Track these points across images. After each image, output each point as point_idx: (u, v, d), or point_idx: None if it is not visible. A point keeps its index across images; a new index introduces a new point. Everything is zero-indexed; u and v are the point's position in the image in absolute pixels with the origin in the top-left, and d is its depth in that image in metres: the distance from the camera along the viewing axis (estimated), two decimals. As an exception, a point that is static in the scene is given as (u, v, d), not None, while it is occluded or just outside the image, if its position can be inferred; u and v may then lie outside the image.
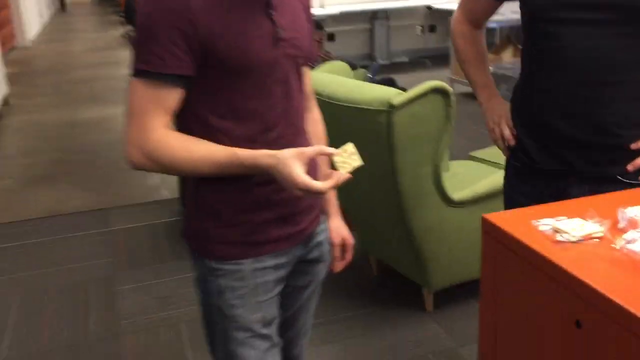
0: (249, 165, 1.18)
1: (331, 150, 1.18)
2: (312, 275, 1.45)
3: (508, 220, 0.97)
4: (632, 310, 0.77)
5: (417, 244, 2.40)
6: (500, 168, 2.91)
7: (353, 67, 5.12)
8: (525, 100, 1.57)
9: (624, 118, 1.40)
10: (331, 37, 7.62)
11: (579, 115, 1.43)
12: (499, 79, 5.66)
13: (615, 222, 0.99)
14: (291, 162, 1.14)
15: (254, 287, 1.29)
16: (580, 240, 0.95)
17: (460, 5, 1.73)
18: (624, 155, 1.40)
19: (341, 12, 7.28)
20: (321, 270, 1.47)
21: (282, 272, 1.33)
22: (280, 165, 1.15)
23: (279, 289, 1.34)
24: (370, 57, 7.84)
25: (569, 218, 0.96)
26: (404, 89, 4.10)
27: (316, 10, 7.26)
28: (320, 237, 1.43)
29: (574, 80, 1.41)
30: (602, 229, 0.98)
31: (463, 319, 2.51)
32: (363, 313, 2.60)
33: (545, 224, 0.98)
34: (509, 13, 5.50)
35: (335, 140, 2.55)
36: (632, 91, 1.39)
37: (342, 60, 3.85)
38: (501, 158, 3.16)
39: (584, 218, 0.99)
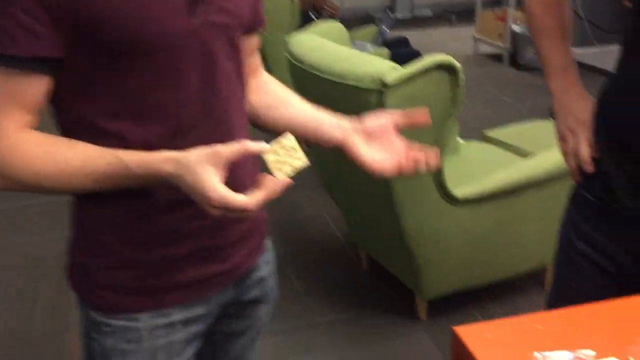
0: (141, 173, 0.82)
1: (259, 146, 0.81)
2: (250, 319, 1.09)
3: (491, 342, 0.57)
4: None
5: (410, 246, 2.03)
6: (520, 155, 2.51)
7: (370, 21, 4.67)
8: (618, 111, 1.04)
9: None
10: (350, -14, 7.06)
11: None
12: (528, 41, 5.15)
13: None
14: (200, 168, 0.78)
15: (153, 351, 0.94)
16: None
17: None
18: None
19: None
20: (263, 313, 1.11)
21: (197, 327, 0.98)
22: (185, 172, 0.79)
23: (192, 349, 1.00)
24: (391, 9, 7.28)
25: (599, 357, 0.54)
26: (417, 53, 3.67)
27: (334, -44, 6.69)
28: (263, 272, 1.07)
29: None
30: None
31: (460, 332, 2.17)
32: (347, 317, 2.27)
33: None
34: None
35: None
36: None
37: (337, 18, 3.42)
38: (521, 141, 2.78)
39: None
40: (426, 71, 1.76)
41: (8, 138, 0.81)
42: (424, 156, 1.00)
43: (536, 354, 0.52)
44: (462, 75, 1.81)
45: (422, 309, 2.22)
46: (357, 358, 2.09)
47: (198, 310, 0.97)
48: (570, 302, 1.14)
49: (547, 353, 0.53)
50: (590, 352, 0.53)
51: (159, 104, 0.86)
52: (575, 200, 1.15)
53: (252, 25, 0.99)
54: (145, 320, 0.93)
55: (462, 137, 3.11)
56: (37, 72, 0.80)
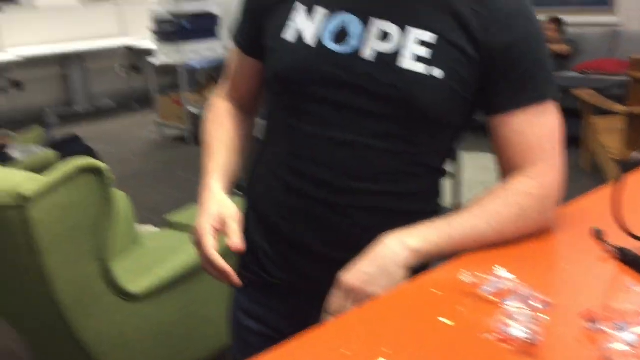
0: None
1: None
2: None
3: None
4: None
5: (97, 356, 1.92)
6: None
7: (42, 124, 4.43)
8: (256, 184, 1.13)
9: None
10: (17, 84, 6.67)
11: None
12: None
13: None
14: None
15: None
16: None
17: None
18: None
19: (27, 57, 6.40)
20: None
21: None
22: None
23: None
24: (69, 103, 7.05)
25: None
26: (89, 150, 3.60)
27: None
28: None
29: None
30: None
31: None
32: None
33: None
34: (204, 50, 5.32)
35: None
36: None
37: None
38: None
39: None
40: (69, 178, 1.71)
41: None
42: None
43: None
44: (109, 174, 1.80)
45: (125, 418, 2.10)
46: None
47: None
48: None
49: None
50: None
51: None
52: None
53: None
54: None
55: (154, 224, 3.10)
56: None
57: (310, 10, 1.01)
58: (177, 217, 2.92)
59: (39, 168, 2.32)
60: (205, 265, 1.04)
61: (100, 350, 1.92)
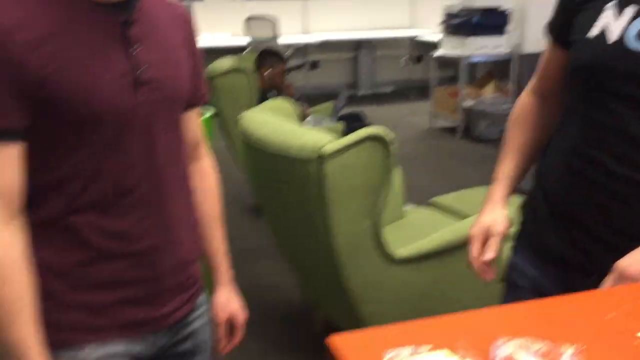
0: None
1: None
2: None
3: (357, 348, 0.77)
4: None
5: (356, 304, 2.17)
6: (460, 217, 2.70)
7: (335, 97, 4.97)
8: (544, 166, 1.23)
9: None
10: (315, 65, 7.47)
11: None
12: (479, 115, 5.50)
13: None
14: None
15: None
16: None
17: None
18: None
19: (325, 40, 7.13)
20: None
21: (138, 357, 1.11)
22: None
23: None
24: (355, 86, 7.67)
25: (432, 350, 0.73)
26: (369, 126, 3.93)
27: (299, 37, 7.12)
28: (196, 325, 1.20)
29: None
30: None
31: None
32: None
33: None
34: (491, 47, 5.33)
35: (264, 190, 2.37)
36: None
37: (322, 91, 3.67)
38: (465, 205, 2.97)
39: (453, 350, 0.75)
40: (359, 142, 1.96)
41: None
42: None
43: (385, 354, 0.69)
44: (392, 146, 2.01)
45: (370, 366, 2.33)
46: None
47: (137, 346, 1.09)
48: None
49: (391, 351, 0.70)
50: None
51: (107, 167, 1.02)
52: (515, 249, 1.29)
53: (193, 100, 1.18)
54: (90, 351, 1.05)
55: (418, 204, 3.30)
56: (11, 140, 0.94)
57: (620, 9, 1.04)
58: (441, 199, 3.07)
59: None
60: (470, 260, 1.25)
61: (360, 299, 2.16)
